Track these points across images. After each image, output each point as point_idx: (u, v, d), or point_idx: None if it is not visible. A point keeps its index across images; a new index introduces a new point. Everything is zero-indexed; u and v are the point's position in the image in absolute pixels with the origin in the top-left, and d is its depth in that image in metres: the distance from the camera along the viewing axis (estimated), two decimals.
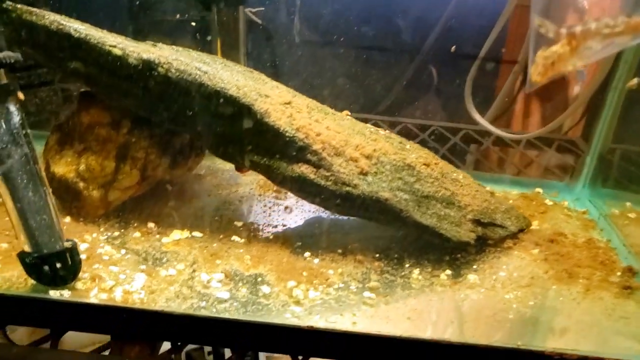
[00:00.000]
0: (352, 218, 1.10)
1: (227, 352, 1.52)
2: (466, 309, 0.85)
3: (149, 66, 0.86)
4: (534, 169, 1.56)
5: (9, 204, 0.74)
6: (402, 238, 1.03)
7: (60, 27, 0.85)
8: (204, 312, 0.78)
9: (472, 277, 0.92)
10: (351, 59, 1.52)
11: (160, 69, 0.85)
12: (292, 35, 1.42)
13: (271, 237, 1.00)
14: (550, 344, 0.77)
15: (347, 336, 0.76)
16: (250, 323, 0.77)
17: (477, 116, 1.54)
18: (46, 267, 0.77)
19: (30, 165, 0.73)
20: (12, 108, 0.70)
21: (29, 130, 0.73)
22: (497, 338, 0.77)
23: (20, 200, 0.73)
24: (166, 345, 0.83)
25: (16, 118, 0.71)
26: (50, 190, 0.76)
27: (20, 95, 0.69)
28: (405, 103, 1.63)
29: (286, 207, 1.12)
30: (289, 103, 0.94)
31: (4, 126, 0.70)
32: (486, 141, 1.60)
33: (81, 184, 0.93)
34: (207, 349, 1.56)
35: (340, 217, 1.10)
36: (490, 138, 1.59)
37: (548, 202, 1.22)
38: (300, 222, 1.07)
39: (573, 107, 1.54)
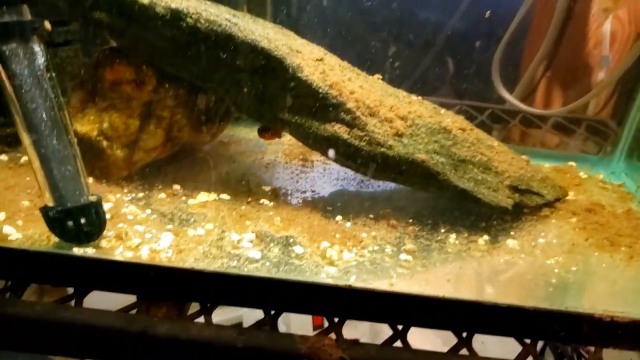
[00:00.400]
0: (380, 188, 1.06)
1: None
2: (507, 273, 0.81)
3: (177, 16, 0.82)
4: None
5: (32, 153, 0.70)
6: (435, 204, 0.99)
7: None
8: (234, 271, 0.74)
9: (510, 243, 0.88)
10: (380, 28, 1.48)
11: (189, 20, 0.82)
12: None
13: (300, 201, 0.96)
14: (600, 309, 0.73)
15: (388, 296, 0.72)
16: (285, 281, 0.73)
17: (505, 94, 1.49)
18: (70, 222, 0.73)
19: (54, 112, 0.69)
20: (37, 48, 0.67)
21: (54, 74, 0.69)
22: (541, 301, 0.73)
23: (43, 149, 0.69)
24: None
25: (41, 59, 0.67)
26: (76, 140, 0.72)
27: (47, 25, 0.66)
28: (431, 79, 1.58)
29: (312, 172, 1.08)
30: (321, 60, 0.90)
31: (27, 68, 0.66)
32: (512, 121, 1.55)
33: (104, 143, 0.89)
34: None
35: (369, 187, 1.06)
36: (517, 117, 1.55)
37: (582, 175, 1.18)
38: (329, 190, 1.03)
39: (603, 85, 1.50)
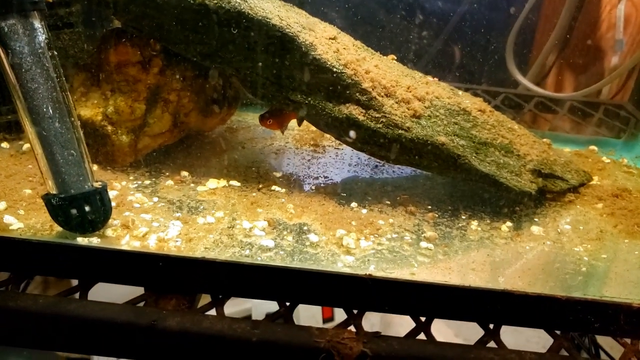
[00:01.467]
0: (395, 173, 1.02)
1: None
2: (533, 261, 0.77)
3: None
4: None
5: (33, 137, 0.66)
6: (453, 190, 0.95)
7: None
8: (247, 261, 0.70)
9: (535, 229, 0.84)
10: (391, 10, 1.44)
11: None
12: None
13: (313, 188, 0.92)
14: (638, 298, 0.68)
15: (411, 286, 0.68)
16: (301, 271, 0.69)
17: (519, 77, 1.45)
18: (74, 210, 0.69)
19: (56, 92, 0.65)
20: (37, 24, 0.63)
21: (55, 53, 0.65)
22: (573, 289, 0.69)
23: (45, 131, 0.65)
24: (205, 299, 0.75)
25: (41, 36, 0.63)
26: (79, 123, 0.68)
27: None
28: (444, 63, 1.54)
29: (323, 158, 1.04)
30: (334, 38, 0.85)
31: (27, 45, 0.62)
32: (526, 105, 1.50)
33: (109, 128, 0.85)
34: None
35: (384, 172, 1.02)
36: (532, 102, 1.50)
37: (605, 159, 1.13)
38: (343, 175, 0.99)
39: (621, 69, 1.45)
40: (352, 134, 0.84)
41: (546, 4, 1.71)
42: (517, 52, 1.57)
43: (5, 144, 0.96)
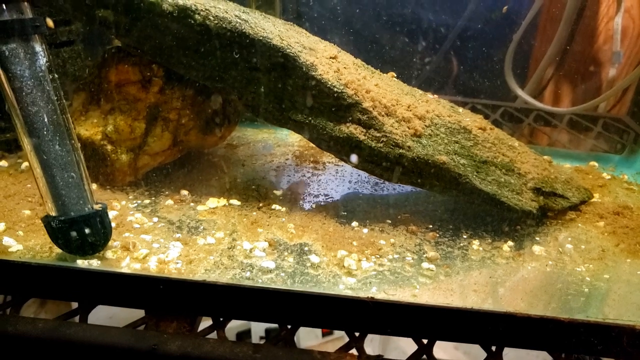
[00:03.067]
0: (396, 190, 1.01)
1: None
2: (535, 282, 0.76)
3: (185, 13, 0.77)
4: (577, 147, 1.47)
5: (33, 159, 0.66)
6: (454, 207, 0.94)
7: None
8: (248, 283, 0.70)
9: (536, 249, 0.84)
10: (391, 26, 1.44)
11: (197, 17, 0.77)
12: None
13: (313, 206, 0.91)
14: None
15: (413, 309, 0.67)
16: (302, 294, 0.68)
17: (518, 91, 1.45)
18: (74, 233, 0.69)
19: (57, 115, 0.65)
20: (38, 48, 0.62)
21: (56, 76, 0.65)
22: (576, 312, 0.69)
23: (45, 154, 0.65)
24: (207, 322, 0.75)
25: (42, 60, 0.63)
26: (79, 145, 0.68)
27: (50, 23, 0.61)
28: (441, 77, 1.54)
29: (324, 175, 1.04)
30: (334, 58, 0.85)
31: (28, 69, 0.62)
32: (524, 119, 1.51)
33: (109, 147, 0.85)
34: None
35: (384, 190, 1.02)
36: (531, 115, 1.50)
37: (605, 175, 1.13)
38: (343, 193, 0.99)
39: (624, 83, 1.45)
40: (353, 153, 0.84)
41: (544, 17, 1.72)
42: (516, 65, 1.57)
43: (3, 162, 0.95)
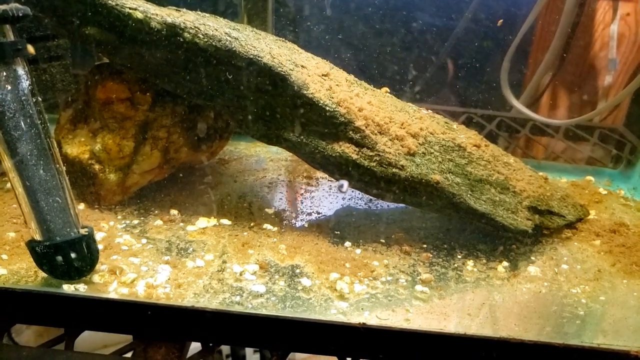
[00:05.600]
0: (390, 208, 1.00)
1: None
2: (531, 305, 0.75)
3: (173, 31, 0.76)
4: (573, 158, 1.47)
5: (17, 184, 0.64)
6: (449, 225, 0.93)
7: None
8: (238, 308, 0.68)
9: (532, 270, 0.83)
10: (384, 37, 1.42)
11: (186, 35, 0.76)
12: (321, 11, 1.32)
13: (306, 225, 0.90)
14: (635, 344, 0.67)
15: (405, 335, 0.66)
16: (293, 320, 0.67)
17: (514, 102, 1.44)
18: (59, 257, 0.67)
19: (41, 139, 0.63)
20: (20, 71, 0.61)
21: (40, 99, 0.63)
22: (570, 337, 0.68)
23: (29, 180, 0.64)
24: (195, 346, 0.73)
25: (25, 83, 0.61)
26: (64, 168, 0.67)
27: (31, 49, 0.60)
28: (436, 88, 1.52)
29: (317, 191, 1.02)
30: (326, 75, 0.84)
31: (10, 92, 0.61)
32: (520, 129, 1.50)
33: (97, 166, 0.83)
34: (226, 350, 1.46)
35: (378, 206, 1.00)
36: (527, 126, 1.49)
37: (602, 191, 1.12)
38: (336, 210, 0.97)
39: (623, 94, 1.44)
40: (346, 172, 0.82)
41: (540, 26, 1.71)
42: (512, 74, 1.56)
43: None
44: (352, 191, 1.04)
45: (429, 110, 0.99)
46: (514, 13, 1.49)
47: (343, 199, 1.01)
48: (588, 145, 1.44)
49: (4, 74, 0.60)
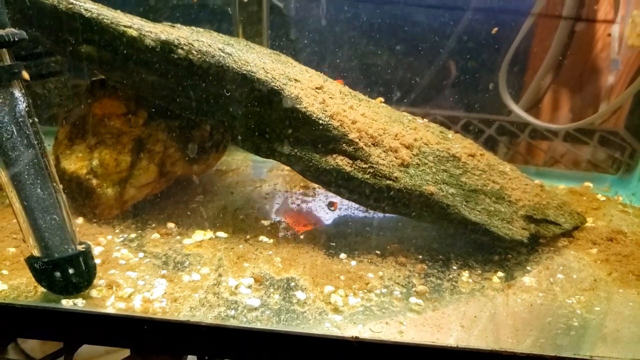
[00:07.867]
0: (387, 217, 1.01)
1: None
2: (525, 316, 0.75)
3: (167, 48, 0.77)
4: (573, 162, 1.46)
5: (16, 202, 0.65)
6: (444, 237, 0.94)
7: (70, 6, 0.77)
8: (233, 322, 0.69)
9: (527, 280, 0.83)
10: (381, 46, 1.43)
11: (180, 51, 0.77)
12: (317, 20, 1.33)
13: (302, 236, 0.91)
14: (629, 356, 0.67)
15: (397, 348, 0.67)
16: (287, 334, 0.68)
17: (513, 106, 1.44)
18: (58, 273, 0.68)
19: (38, 159, 0.65)
20: (17, 94, 0.62)
21: (36, 120, 0.64)
22: (563, 349, 0.68)
23: (27, 199, 0.65)
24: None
25: (22, 105, 0.63)
26: (61, 187, 0.68)
27: (25, 75, 0.61)
28: (434, 94, 1.52)
29: (313, 202, 1.03)
30: (320, 88, 0.85)
31: (7, 114, 0.62)
32: (520, 134, 1.50)
33: (94, 181, 0.84)
34: None
35: (374, 216, 1.01)
36: (527, 130, 1.49)
37: (600, 197, 1.12)
38: (332, 221, 0.98)
39: (623, 97, 1.44)
40: (340, 184, 0.83)
41: (539, 29, 1.70)
42: (511, 78, 1.56)
43: None
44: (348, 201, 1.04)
45: (425, 120, 1.00)
46: (512, 16, 1.49)
47: (339, 208, 1.02)
48: (588, 148, 1.43)
49: (1, 96, 0.61)
